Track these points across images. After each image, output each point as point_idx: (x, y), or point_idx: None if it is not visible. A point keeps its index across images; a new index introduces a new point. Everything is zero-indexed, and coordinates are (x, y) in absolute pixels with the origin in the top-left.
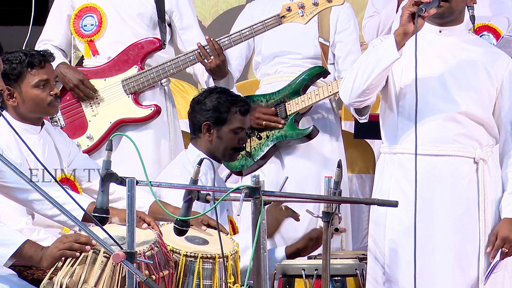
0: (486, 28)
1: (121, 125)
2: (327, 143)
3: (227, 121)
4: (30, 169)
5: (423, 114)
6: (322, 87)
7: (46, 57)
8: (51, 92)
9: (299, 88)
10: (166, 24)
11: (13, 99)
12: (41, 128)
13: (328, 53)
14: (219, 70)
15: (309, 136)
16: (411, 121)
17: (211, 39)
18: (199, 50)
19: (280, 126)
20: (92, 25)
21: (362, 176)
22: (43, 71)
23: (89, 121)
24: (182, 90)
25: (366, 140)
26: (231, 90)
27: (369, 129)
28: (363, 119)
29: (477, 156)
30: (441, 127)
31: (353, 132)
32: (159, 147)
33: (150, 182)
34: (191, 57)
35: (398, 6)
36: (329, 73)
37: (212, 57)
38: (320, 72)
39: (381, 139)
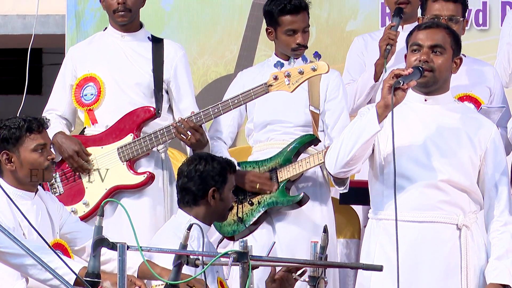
0: (468, 98)
1: (116, 192)
2: (317, 209)
3: (227, 182)
4: (24, 234)
5: (407, 181)
6: (313, 155)
7: (43, 123)
8: (49, 157)
9: (290, 155)
10: (164, 92)
11: (11, 163)
12: (35, 194)
13: (319, 120)
14: (199, 144)
15: (300, 203)
16: (396, 188)
17: (184, 119)
18: (179, 124)
19: (274, 189)
20: (92, 94)
21: (348, 241)
22: (41, 136)
23: (86, 187)
24: (171, 157)
25: (351, 205)
26: None
27: (354, 195)
28: (343, 190)
29: (460, 222)
30: (424, 195)
31: (338, 198)
32: (155, 214)
33: (141, 247)
34: (171, 130)
35: (376, 73)
36: (320, 141)
37: (190, 134)
38: (311, 140)
39: (365, 204)
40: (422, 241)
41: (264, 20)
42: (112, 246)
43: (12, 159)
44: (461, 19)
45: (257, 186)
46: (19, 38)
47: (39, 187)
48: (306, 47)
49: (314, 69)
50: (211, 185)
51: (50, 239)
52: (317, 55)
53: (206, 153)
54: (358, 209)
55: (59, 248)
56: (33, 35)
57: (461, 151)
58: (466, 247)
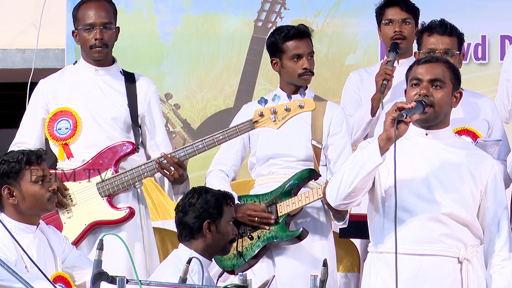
0: (465, 132)
1: (95, 227)
2: (317, 243)
3: (223, 214)
4: (26, 267)
5: (408, 214)
6: (313, 190)
7: (41, 154)
8: (50, 188)
9: (290, 190)
10: (139, 127)
11: (13, 197)
12: (37, 228)
13: (321, 155)
14: (181, 179)
15: (299, 237)
16: (397, 221)
17: (168, 154)
18: (162, 159)
19: (272, 221)
20: (67, 128)
21: (347, 275)
22: (40, 168)
23: (64, 223)
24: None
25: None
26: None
27: (353, 228)
28: (342, 225)
29: (461, 256)
30: (425, 228)
31: (338, 231)
32: (132, 250)
33: (140, 280)
34: (154, 166)
35: (372, 108)
36: (320, 175)
37: (173, 170)
38: (311, 175)
39: (365, 238)
40: (424, 274)
41: (263, 54)
42: (112, 280)
43: (14, 193)
44: (457, 52)
45: (256, 219)
46: (19, 72)
47: (41, 220)
48: (313, 73)
49: (301, 106)
50: (205, 218)
51: (52, 272)
52: (302, 92)
53: (201, 187)
54: (357, 242)
55: (61, 281)
56: (32, 69)
57: (463, 185)
58: (468, 281)
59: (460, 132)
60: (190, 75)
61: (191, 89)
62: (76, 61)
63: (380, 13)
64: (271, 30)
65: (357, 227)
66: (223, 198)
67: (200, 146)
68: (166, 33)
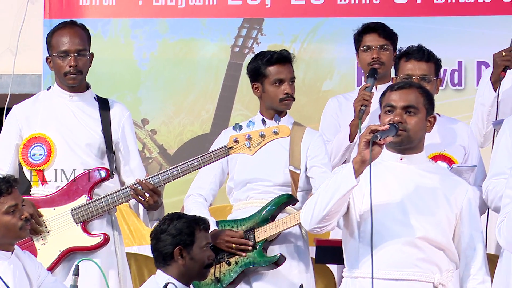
0: (441, 157)
1: (70, 254)
2: (295, 269)
3: (196, 240)
4: None
5: (383, 239)
6: (290, 216)
7: (11, 183)
8: (22, 216)
9: (267, 216)
10: (113, 153)
11: None
12: (12, 254)
13: (298, 180)
14: (156, 205)
15: (277, 263)
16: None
17: (143, 181)
18: (136, 186)
19: (249, 248)
20: (41, 154)
21: None
22: (11, 197)
23: (39, 249)
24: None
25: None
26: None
27: (329, 254)
28: None
29: (437, 280)
30: (401, 252)
31: (314, 257)
32: (106, 276)
33: None
34: (128, 192)
35: (351, 134)
36: (298, 201)
37: (148, 196)
38: (289, 200)
39: (341, 264)
40: None
41: (240, 80)
42: None
43: None
44: (434, 78)
45: (233, 246)
46: None
47: (16, 246)
48: (294, 99)
49: (276, 132)
50: (177, 244)
51: None
52: (277, 119)
53: (175, 213)
54: (333, 268)
55: None
56: (9, 95)
57: (438, 209)
58: None
59: (436, 158)
60: (167, 100)
61: (167, 115)
62: (50, 87)
63: (358, 39)
64: (250, 56)
65: (334, 252)
66: (196, 223)
67: (175, 172)
68: (143, 58)
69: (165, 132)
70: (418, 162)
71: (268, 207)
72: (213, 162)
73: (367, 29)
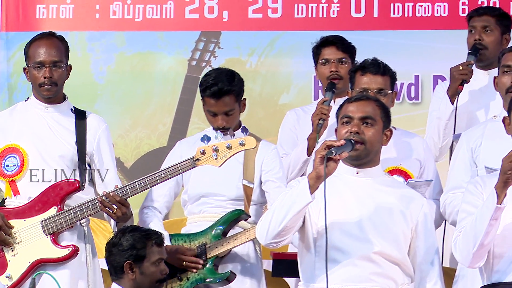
0: (397, 171)
1: (39, 265)
2: (247, 285)
3: (147, 256)
4: None
5: (339, 254)
6: (241, 232)
7: None
8: None
9: (219, 232)
10: (87, 165)
11: None
12: None
13: (252, 194)
14: (124, 217)
15: (228, 280)
16: (328, 261)
17: (110, 193)
18: (104, 198)
19: (199, 267)
20: (14, 165)
21: None
22: None
23: (9, 260)
24: (104, 229)
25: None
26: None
27: (286, 267)
28: None
29: None
30: (357, 267)
31: (271, 270)
32: (75, 287)
33: None
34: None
35: (309, 148)
36: (250, 216)
37: (116, 208)
38: (240, 216)
39: (298, 277)
40: None
41: (197, 93)
42: None
43: None
44: (390, 91)
45: (184, 264)
46: None
47: None
48: (229, 128)
49: (242, 144)
50: (125, 259)
51: None
52: (244, 130)
53: (128, 226)
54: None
55: None
56: None
57: (394, 223)
58: None
59: (392, 172)
60: (124, 114)
61: (124, 128)
62: (28, 98)
63: (316, 52)
64: (207, 69)
65: (290, 266)
66: (148, 238)
67: (142, 184)
68: (100, 71)
69: (121, 145)
70: (375, 175)
71: (220, 224)
72: (180, 173)
73: (326, 42)
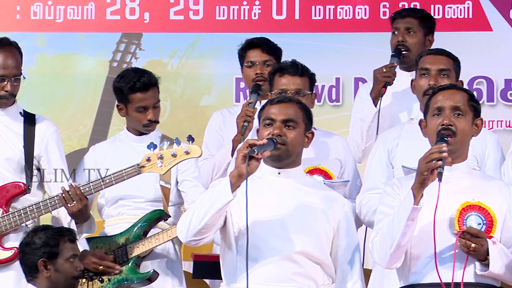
0: (317, 171)
1: None
2: (168, 285)
3: (60, 252)
4: None
5: (261, 253)
6: (162, 232)
7: None
8: None
9: (140, 232)
10: (35, 168)
11: None
12: None
13: (169, 195)
14: (81, 214)
15: (150, 279)
16: (250, 260)
17: (74, 185)
18: (62, 194)
19: (117, 272)
20: None
21: None
22: None
23: None
24: None
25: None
26: (92, 232)
27: (207, 268)
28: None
29: None
30: (278, 266)
31: (191, 271)
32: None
33: None
34: (53, 202)
35: (233, 150)
36: (170, 216)
37: (74, 202)
38: (160, 216)
39: (218, 278)
40: None
41: None
42: None
43: None
44: (309, 92)
45: (100, 268)
46: None
47: None
48: (158, 122)
49: (187, 152)
50: (38, 257)
51: None
52: (190, 139)
53: (42, 225)
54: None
55: None
56: None
57: (316, 223)
58: None
59: (312, 171)
60: (45, 115)
61: None
62: None
63: (242, 55)
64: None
65: (211, 267)
66: (61, 235)
67: (87, 189)
68: None
69: None
70: (296, 176)
71: (140, 224)
72: (124, 180)
73: (251, 44)
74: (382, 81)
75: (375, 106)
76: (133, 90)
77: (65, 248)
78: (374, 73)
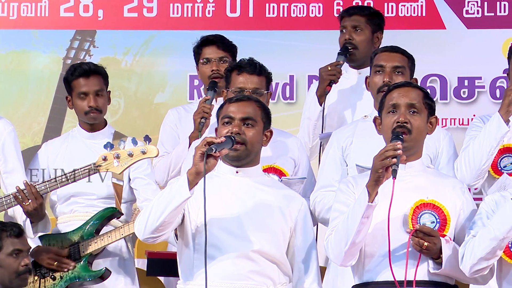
0: (272, 170)
1: None
2: (121, 283)
3: (2, 247)
4: None
5: (218, 251)
6: (115, 229)
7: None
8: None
9: (92, 230)
10: None
11: None
12: None
13: (122, 192)
14: (36, 212)
15: (102, 277)
16: (207, 258)
17: (29, 183)
18: (17, 193)
19: (71, 268)
20: None
21: None
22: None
23: None
24: None
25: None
26: (47, 231)
27: (161, 266)
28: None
29: None
30: (235, 265)
31: (145, 269)
32: None
33: None
34: (8, 200)
35: (189, 145)
36: (122, 214)
37: (29, 201)
38: (113, 214)
39: (173, 276)
40: None
41: None
42: None
43: None
44: (265, 91)
45: (55, 264)
46: None
47: None
48: (100, 112)
49: (143, 152)
50: None
51: None
52: (147, 139)
53: None
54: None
55: None
56: None
57: (273, 222)
58: None
59: (268, 170)
60: None
61: None
62: None
63: (197, 52)
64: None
65: (165, 264)
66: (3, 230)
67: (42, 188)
68: None
69: None
70: (254, 175)
71: (93, 221)
72: (81, 178)
73: (206, 41)
74: (327, 79)
75: (321, 104)
76: (73, 75)
77: (7, 242)
78: (319, 71)
